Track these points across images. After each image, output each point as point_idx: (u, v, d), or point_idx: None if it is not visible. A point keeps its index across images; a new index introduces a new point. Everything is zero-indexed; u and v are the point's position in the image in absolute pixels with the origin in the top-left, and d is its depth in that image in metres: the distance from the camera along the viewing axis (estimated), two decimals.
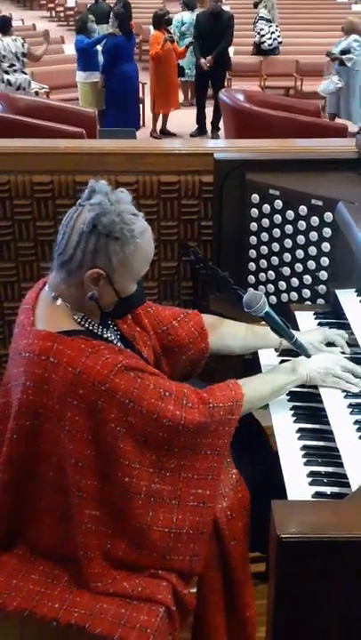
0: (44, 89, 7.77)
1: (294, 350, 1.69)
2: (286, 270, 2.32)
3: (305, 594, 1.16)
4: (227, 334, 1.78)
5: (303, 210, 2.22)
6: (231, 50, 8.38)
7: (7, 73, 6.54)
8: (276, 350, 1.82)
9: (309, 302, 2.26)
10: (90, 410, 1.36)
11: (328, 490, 1.40)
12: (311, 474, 1.45)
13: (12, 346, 1.52)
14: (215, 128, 7.96)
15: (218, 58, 7.76)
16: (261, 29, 9.34)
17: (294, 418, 1.63)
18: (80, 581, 1.45)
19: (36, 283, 1.59)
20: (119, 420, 1.37)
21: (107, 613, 1.40)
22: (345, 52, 7.46)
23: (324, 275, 2.22)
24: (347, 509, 1.21)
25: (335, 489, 1.40)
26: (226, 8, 10.10)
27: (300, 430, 1.59)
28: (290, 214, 2.27)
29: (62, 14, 14.63)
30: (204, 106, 8.17)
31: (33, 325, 1.45)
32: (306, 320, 1.96)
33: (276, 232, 2.33)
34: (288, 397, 1.70)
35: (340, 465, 1.42)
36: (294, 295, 2.31)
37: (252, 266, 2.43)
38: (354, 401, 1.58)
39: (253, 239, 2.40)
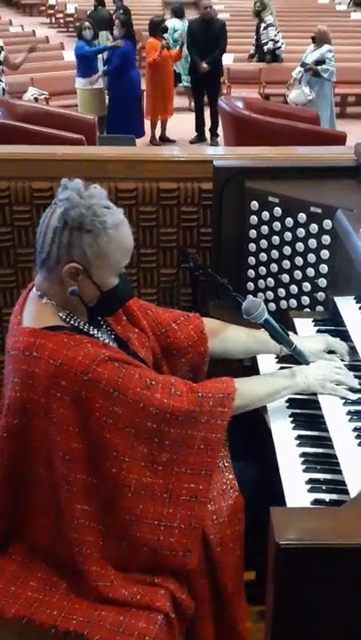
0: (44, 95, 7.79)
1: (294, 357, 1.70)
2: (285, 277, 2.33)
3: (304, 600, 1.16)
4: (228, 339, 1.78)
5: (302, 217, 2.23)
6: (230, 57, 8.43)
7: None
8: (276, 357, 1.83)
9: (308, 309, 2.26)
10: (74, 401, 1.37)
11: (327, 497, 1.41)
12: (310, 481, 1.45)
13: (6, 347, 1.54)
14: (214, 135, 8.00)
15: (213, 65, 7.80)
16: (275, 35, 9.32)
17: (293, 425, 1.64)
18: (80, 581, 1.43)
19: None
20: (105, 409, 1.37)
21: (105, 621, 1.40)
22: (319, 62, 7.28)
23: (323, 282, 2.22)
24: (346, 516, 1.21)
25: (334, 496, 1.40)
26: (225, 15, 10.18)
27: (299, 437, 1.59)
28: (289, 222, 2.27)
29: (62, 21, 14.71)
30: (203, 113, 8.21)
31: (20, 324, 1.48)
32: (305, 327, 1.97)
33: (276, 239, 2.33)
34: (287, 404, 1.70)
35: (339, 472, 1.42)
36: (293, 302, 2.32)
37: (251, 273, 2.44)
38: (353, 408, 1.59)
39: (253, 246, 2.41)
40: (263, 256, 2.39)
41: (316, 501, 1.39)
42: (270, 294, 2.39)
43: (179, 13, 8.61)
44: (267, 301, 2.37)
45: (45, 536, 1.48)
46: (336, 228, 2.12)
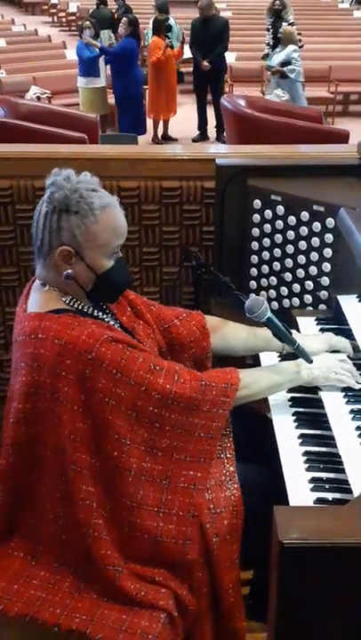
0: (46, 94, 7.80)
1: (297, 355, 1.69)
2: (288, 276, 2.32)
3: (307, 599, 1.16)
4: (230, 336, 1.79)
5: (305, 215, 2.23)
6: (233, 55, 8.42)
7: None
8: (279, 354, 1.83)
9: (311, 308, 2.26)
10: (79, 380, 1.38)
11: (330, 496, 1.40)
12: (313, 480, 1.45)
13: (12, 338, 1.55)
14: (221, 131, 7.97)
15: (215, 62, 7.80)
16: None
17: (296, 424, 1.63)
18: (89, 568, 1.43)
19: None
20: (108, 390, 1.39)
21: (108, 619, 1.40)
22: (285, 63, 7.23)
23: (325, 280, 2.22)
24: (349, 515, 1.21)
25: (337, 495, 1.40)
26: (227, 13, 10.17)
27: (301, 436, 1.59)
28: (292, 220, 2.27)
29: (64, 19, 14.70)
30: (206, 111, 8.20)
31: (25, 312, 1.51)
32: (308, 326, 1.96)
33: (278, 238, 2.33)
34: (290, 403, 1.70)
35: (342, 471, 1.42)
36: (296, 301, 2.31)
37: (253, 271, 2.43)
38: (356, 407, 1.59)
39: (255, 245, 2.41)
40: (266, 254, 2.39)
41: (319, 500, 1.39)
42: (273, 293, 2.39)
43: (163, 9, 8.58)
44: (269, 300, 2.36)
45: (52, 522, 1.48)
46: (339, 227, 2.12)
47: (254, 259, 2.42)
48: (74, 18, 13.69)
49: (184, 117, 8.32)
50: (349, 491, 1.35)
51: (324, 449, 1.54)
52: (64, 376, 1.39)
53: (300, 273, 2.28)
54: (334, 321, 1.96)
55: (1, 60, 9.22)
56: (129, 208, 2.66)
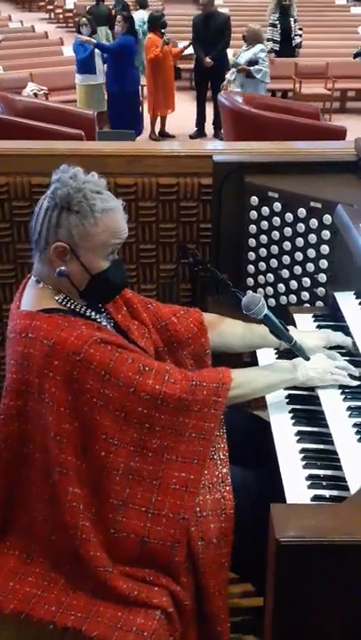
0: (43, 90, 7.78)
1: (293, 352, 1.69)
2: (285, 273, 2.32)
3: (304, 597, 1.15)
4: (227, 333, 1.78)
5: (302, 212, 2.22)
6: (230, 52, 8.39)
7: None
8: (276, 351, 1.82)
9: (308, 305, 2.26)
10: (66, 381, 1.38)
11: (327, 493, 1.40)
12: (310, 477, 1.45)
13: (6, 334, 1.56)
14: (218, 128, 7.96)
15: (217, 59, 7.78)
16: (299, 29, 9.27)
17: (293, 421, 1.63)
18: (79, 570, 1.42)
19: None
20: (96, 391, 1.38)
21: (103, 616, 1.39)
22: (252, 62, 7.04)
23: (323, 277, 2.22)
24: (346, 513, 1.20)
25: (334, 492, 1.40)
26: (224, 10, 10.14)
27: (298, 433, 1.58)
28: (289, 217, 2.27)
29: (61, 16, 14.65)
30: (205, 108, 8.19)
31: (18, 309, 1.50)
32: (305, 323, 1.96)
33: (275, 234, 2.32)
34: (287, 400, 1.69)
35: (339, 468, 1.41)
36: (293, 298, 2.31)
37: (250, 268, 2.43)
38: (353, 404, 1.58)
39: (252, 241, 2.40)
40: (263, 251, 2.38)
41: (316, 497, 1.39)
42: (270, 290, 2.38)
43: (143, 4, 8.54)
44: (266, 297, 2.36)
45: (42, 523, 1.47)
46: (336, 223, 2.12)
47: (251, 256, 2.42)
48: (71, 14, 13.64)
49: (181, 114, 8.30)
50: (347, 488, 1.35)
51: (321, 446, 1.54)
52: (51, 377, 1.39)
53: (298, 270, 2.28)
54: (331, 318, 1.96)
55: None
56: (126, 205, 2.65)
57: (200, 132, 8.23)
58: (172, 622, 1.43)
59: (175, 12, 11.47)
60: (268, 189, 2.31)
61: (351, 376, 1.65)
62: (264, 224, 2.35)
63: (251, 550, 1.45)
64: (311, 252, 2.23)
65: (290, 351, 1.71)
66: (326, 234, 2.18)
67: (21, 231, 2.68)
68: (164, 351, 1.70)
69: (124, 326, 1.63)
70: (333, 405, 1.59)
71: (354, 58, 9.56)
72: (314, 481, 1.43)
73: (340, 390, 1.63)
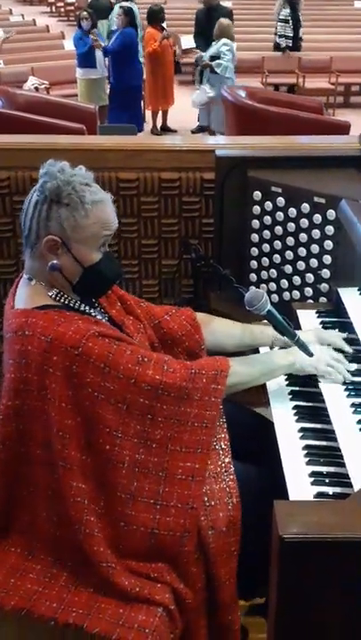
0: (44, 84, 7.75)
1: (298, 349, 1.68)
2: (288, 268, 2.31)
3: (307, 593, 1.15)
4: (218, 331, 1.78)
5: (306, 207, 2.21)
6: (234, 45, 8.35)
7: None
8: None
9: (312, 301, 2.25)
10: (66, 376, 1.38)
11: (330, 490, 1.39)
12: (313, 474, 1.44)
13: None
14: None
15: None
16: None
17: (296, 417, 1.62)
18: (81, 565, 1.42)
19: None
20: (96, 384, 1.38)
21: (105, 613, 1.39)
22: (215, 57, 6.93)
23: (326, 273, 2.21)
24: (349, 509, 1.20)
25: (337, 489, 1.39)
26: (227, 4, 10.09)
27: (302, 430, 1.58)
28: (292, 212, 2.25)
29: (62, 9, 14.61)
30: None
31: (12, 308, 1.50)
32: (308, 319, 1.95)
33: (279, 230, 2.31)
34: (290, 396, 1.69)
35: (343, 465, 1.41)
36: (296, 294, 2.30)
37: (253, 264, 2.42)
38: (356, 400, 1.57)
39: (255, 237, 2.39)
40: (266, 247, 2.37)
41: (319, 494, 1.38)
42: (273, 285, 2.37)
43: None
44: (269, 293, 2.35)
45: (46, 520, 1.47)
46: (340, 219, 2.11)
47: (254, 251, 2.40)
48: (72, 8, 13.60)
49: (183, 109, 8.27)
50: (350, 485, 1.34)
51: (324, 443, 1.53)
52: (51, 373, 1.38)
53: (301, 265, 2.27)
54: (335, 314, 1.95)
55: None
56: (128, 200, 2.65)
57: (202, 127, 8.20)
58: (174, 619, 1.43)
59: (177, 5, 11.42)
60: (272, 184, 2.30)
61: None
62: (267, 219, 2.34)
63: (253, 545, 1.46)
64: (315, 248, 2.22)
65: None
66: (330, 229, 2.17)
67: None
68: (159, 347, 1.71)
69: (118, 321, 1.63)
70: (337, 402, 1.58)
71: None
72: (317, 478, 1.43)
73: (344, 387, 1.63)
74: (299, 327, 1.86)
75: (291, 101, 5.04)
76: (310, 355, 1.65)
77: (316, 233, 2.20)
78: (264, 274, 2.40)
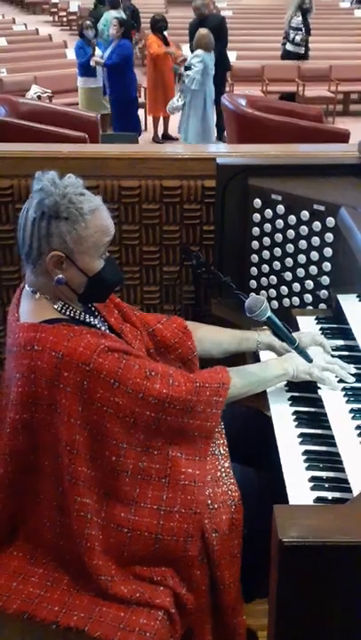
0: (47, 93, 7.80)
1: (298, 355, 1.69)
2: (288, 275, 2.32)
3: (307, 598, 1.16)
4: (205, 340, 1.80)
5: (305, 215, 2.23)
6: (233, 54, 8.41)
7: None
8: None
9: (311, 307, 2.26)
10: (77, 392, 1.38)
11: (330, 495, 1.40)
12: (313, 479, 1.45)
13: (6, 347, 1.54)
14: (221, 130, 7.96)
15: (217, 60, 7.77)
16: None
17: (296, 423, 1.63)
18: (81, 576, 1.44)
19: None
20: (105, 399, 1.39)
21: (106, 617, 1.40)
22: (187, 68, 6.88)
23: (326, 280, 2.22)
24: (348, 514, 1.20)
25: (337, 494, 1.40)
26: (228, 13, 10.16)
27: (301, 435, 1.59)
28: (292, 219, 2.27)
29: (65, 19, 14.70)
30: None
31: (18, 321, 1.49)
32: (308, 325, 1.96)
33: (279, 237, 2.33)
34: (290, 402, 1.70)
35: (342, 470, 1.41)
36: (296, 300, 2.31)
37: (254, 270, 2.43)
38: (356, 406, 1.58)
39: (255, 244, 2.41)
40: (266, 253, 2.39)
41: (318, 499, 1.39)
42: (273, 292, 2.39)
43: (114, 4, 8.53)
44: (269, 299, 2.36)
45: (50, 529, 1.48)
46: (339, 226, 2.12)
47: (255, 258, 2.42)
48: (75, 17, 13.69)
49: None
50: (349, 490, 1.35)
51: (323, 448, 1.54)
52: (62, 388, 1.38)
53: (301, 272, 2.28)
54: (334, 320, 1.96)
55: (2, 59, 9.22)
56: (129, 207, 2.67)
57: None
58: (174, 623, 1.44)
59: (176, 14, 11.49)
60: (272, 192, 2.31)
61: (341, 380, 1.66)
62: (267, 226, 2.35)
63: (253, 548, 1.47)
64: (314, 255, 2.23)
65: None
66: (329, 236, 2.18)
67: None
68: (154, 353, 1.73)
69: (117, 328, 1.64)
70: (336, 407, 1.59)
71: None
72: (316, 483, 1.44)
73: (343, 392, 1.64)
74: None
75: (291, 109, 5.07)
76: (310, 361, 1.67)
77: (315, 240, 2.22)
78: (264, 280, 2.41)
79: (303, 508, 1.31)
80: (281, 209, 2.29)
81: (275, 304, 2.37)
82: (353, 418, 1.54)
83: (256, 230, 2.39)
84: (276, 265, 2.36)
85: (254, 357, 1.94)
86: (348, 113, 9.73)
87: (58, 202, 1.42)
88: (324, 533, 1.13)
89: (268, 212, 2.33)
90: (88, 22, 7.62)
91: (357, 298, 1.92)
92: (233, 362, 1.97)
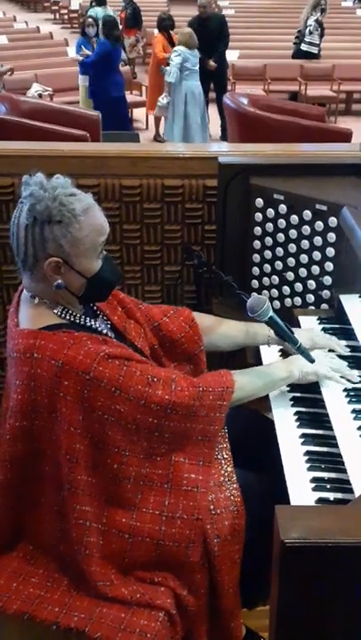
0: (48, 91, 7.79)
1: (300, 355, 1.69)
2: (290, 275, 2.32)
3: (309, 599, 1.15)
4: (214, 332, 1.79)
5: (307, 214, 2.22)
6: (235, 53, 8.39)
7: None
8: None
9: (313, 307, 2.25)
10: (77, 401, 1.37)
11: (331, 496, 1.40)
12: (314, 480, 1.45)
13: (6, 351, 1.53)
14: (225, 129, 7.95)
15: (218, 60, 7.78)
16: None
17: (298, 423, 1.63)
18: (81, 579, 1.44)
19: None
20: (107, 407, 1.38)
21: (106, 618, 1.40)
22: (168, 64, 6.95)
23: (328, 280, 2.21)
24: (350, 515, 1.20)
25: (338, 495, 1.40)
26: (230, 11, 10.15)
27: (303, 436, 1.58)
28: (294, 219, 2.26)
29: (66, 17, 14.68)
30: (207, 109, 8.18)
31: (17, 326, 1.48)
32: (310, 325, 1.96)
33: (281, 237, 2.32)
34: (291, 403, 1.70)
35: (344, 471, 1.41)
36: (298, 300, 2.31)
37: (255, 270, 2.43)
38: (357, 407, 1.58)
39: (257, 243, 2.40)
40: (268, 253, 2.38)
41: (320, 500, 1.39)
42: (275, 292, 2.38)
43: (101, 1, 8.51)
44: (271, 299, 2.36)
45: (50, 534, 1.48)
46: (341, 226, 2.11)
47: (256, 257, 2.41)
48: (76, 15, 13.67)
49: None
50: (351, 491, 1.35)
51: (325, 449, 1.54)
52: (62, 396, 1.37)
53: (303, 272, 2.28)
54: (336, 320, 1.96)
55: (3, 57, 9.20)
56: (130, 206, 2.66)
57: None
58: (175, 624, 1.44)
59: (177, 12, 11.47)
60: (274, 191, 2.31)
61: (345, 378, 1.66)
62: (269, 226, 2.35)
63: (254, 552, 1.46)
64: (316, 255, 2.23)
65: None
66: (332, 236, 2.18)
67: None
68: (158, 349, 1.71)
69: (120, 327, 1.63)
70: (338, 408, 1.59)
71: None
72: (318, 483, 1.43)
73: (345, 393, 1.63)
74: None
75: (293, 109, 5.06)
76: (312, 361, 1.66)
77: (317, 240, 2.21)
78: (266, 280, 2.40)
79: (305, 509, 1.30)
80: (283, 208, 2.29)
81: (277, 304, 2.36)
82: (355, 418, 1.54)
83: (258, 230, 2.38)
84: (278, 265, 2.35)
85: (255, 355, 1.94)
86: (351, 112, 9.73)
87: (49, 206, 1.39)
88: (326, 534, 1.12)
89: (270, 212, 2.33)
90: (90, 20, 7.61)
91: (359, 298, 1.91)
92: (233, 361, 1.97)
